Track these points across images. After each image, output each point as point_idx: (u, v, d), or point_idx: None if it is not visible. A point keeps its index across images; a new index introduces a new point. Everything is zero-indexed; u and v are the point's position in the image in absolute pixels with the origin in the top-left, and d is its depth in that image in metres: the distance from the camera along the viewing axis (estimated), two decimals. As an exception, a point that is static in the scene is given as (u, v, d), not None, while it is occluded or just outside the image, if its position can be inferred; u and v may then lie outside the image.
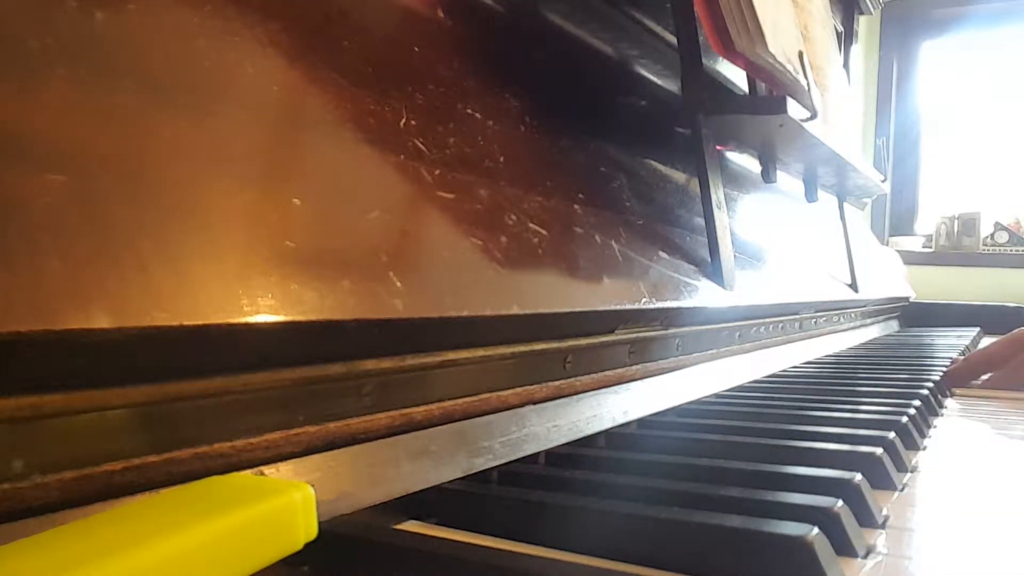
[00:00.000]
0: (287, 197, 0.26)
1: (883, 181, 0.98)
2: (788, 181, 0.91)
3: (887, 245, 2.26)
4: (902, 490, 0.36)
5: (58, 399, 0.20)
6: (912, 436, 0.45)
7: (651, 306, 0.44)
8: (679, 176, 0.65)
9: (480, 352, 0.35)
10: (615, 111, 0.61)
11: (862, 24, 1.36)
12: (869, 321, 1.20)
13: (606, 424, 0.44)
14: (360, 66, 0.34)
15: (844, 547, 0.26)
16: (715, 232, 0.56)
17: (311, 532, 0.20)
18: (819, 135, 0.63)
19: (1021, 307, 1.40)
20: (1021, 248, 2.47)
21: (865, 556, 0.27)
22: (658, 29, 0.67)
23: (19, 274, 0.18)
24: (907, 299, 1.41)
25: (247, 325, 0.22)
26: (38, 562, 0.15)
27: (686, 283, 0.50)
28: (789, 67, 0.57)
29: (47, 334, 0.18)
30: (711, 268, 0.55)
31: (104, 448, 0.21)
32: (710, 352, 0.61)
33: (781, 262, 0.75)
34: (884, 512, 0.32)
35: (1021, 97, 2.57)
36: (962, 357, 0.78)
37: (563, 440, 0.40)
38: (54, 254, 0.19)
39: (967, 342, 1.07)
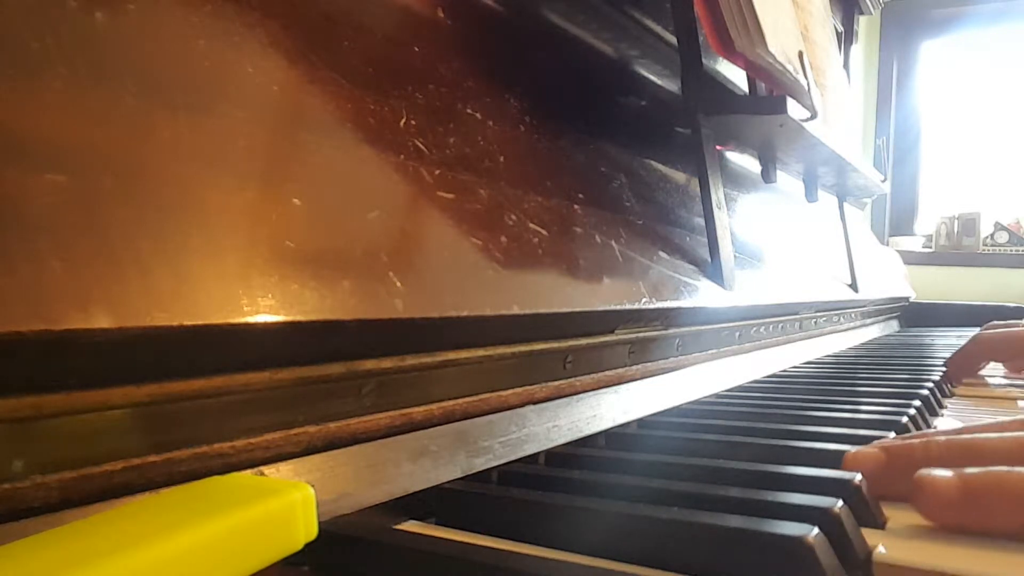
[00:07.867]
0: (287, 197, 0.26)
1: (883, 181, 0.98)
2: (788, 181, 0.91)
3: (887, 245, 2.26)
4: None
5: (58, 399, 0.20)
6: (912, 436, 0.45)
7: (651, 306, 0.44)
8: (679, 176, 0.65)
9: (480, 352, 0.35)
10: (615, 111, 0.61)
11: (862, 24, 1.36)
12: (869, 321, 1.20)
13: (606, 424, 0.44)
14: (360, 66, 0.34)
15: (844, 548, 0.26)
16: (715, 232, 0.56)
17: (311, 532, 0.20)
18: (819, 135, 0.63)
19: (1021, 307, 1.40)
20: (1021, 248, 2.47)
21: (865, 557, 0.27)
22: (658, 29, 0.67)
23: (19, 274, 0.18)
24: (907, 299, 1.41)
25: (247, 325, 0.22)
26: (38, 562, 0.15)
27: (686, 283, 0.50)
28: (789, 67, 0.57)
29: (47, 334, 0.18)
30: (711, 268, 0.55)
31: (104, 448, 0.21)
32: (710, 352, 0.61)
33: (781, 262, 0.75)
34: (885, 512, 0.32)
35: (1021, 97, 2.57)
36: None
37: (563, 440, 0.40)
38: (54, 254, 0.19)
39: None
